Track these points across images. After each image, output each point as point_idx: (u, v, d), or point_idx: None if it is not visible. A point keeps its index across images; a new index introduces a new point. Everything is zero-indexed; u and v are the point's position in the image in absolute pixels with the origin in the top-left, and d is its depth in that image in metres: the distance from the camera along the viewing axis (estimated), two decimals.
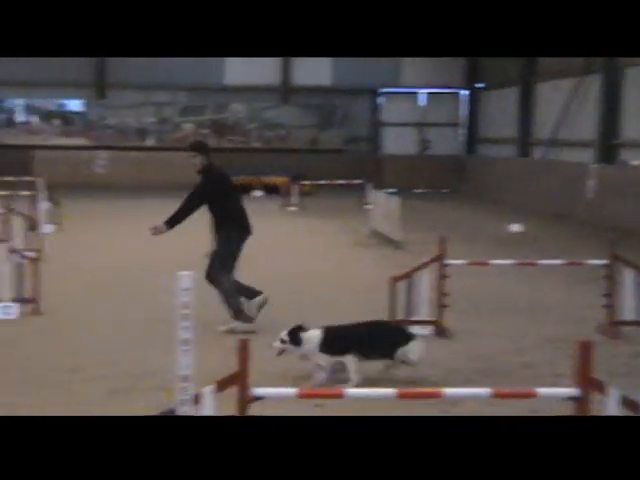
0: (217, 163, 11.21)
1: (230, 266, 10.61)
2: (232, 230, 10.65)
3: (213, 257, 10.66)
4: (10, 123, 37.59)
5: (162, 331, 10.10)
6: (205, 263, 10.63)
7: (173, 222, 10.66)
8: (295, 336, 8.18)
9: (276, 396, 5.54)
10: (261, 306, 10.64)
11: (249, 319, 10.49)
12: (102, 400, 7.60)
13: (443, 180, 35.86)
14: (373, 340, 8.31)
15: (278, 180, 31.34)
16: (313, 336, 8.20)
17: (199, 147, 11.09)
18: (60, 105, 37.84)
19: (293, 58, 36.91)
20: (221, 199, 10.71)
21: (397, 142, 38.31)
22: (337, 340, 8.23)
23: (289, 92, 37.89)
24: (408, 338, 8.43)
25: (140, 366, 8.64)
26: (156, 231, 10.68)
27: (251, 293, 10.70)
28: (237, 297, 10.58)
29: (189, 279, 4.84)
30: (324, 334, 8.20)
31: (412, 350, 8.32)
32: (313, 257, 16.56)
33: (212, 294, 10.46)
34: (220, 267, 10.56)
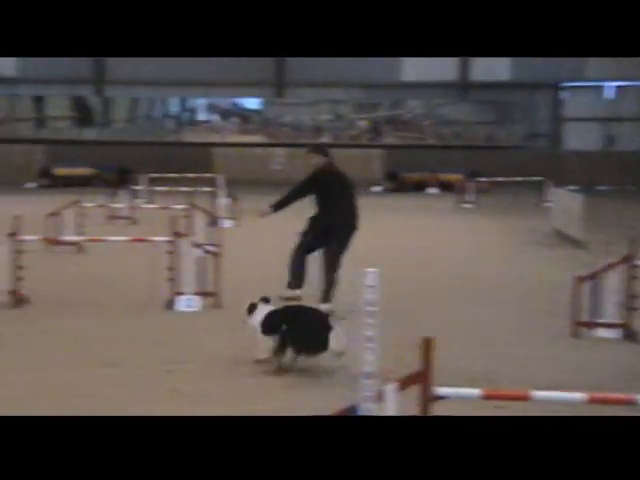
0: (335, 164, 12.29)
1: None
2: (335, 222, 11.56)
3: (337, 248, 11.40)
4: (192, 122, 38.69)
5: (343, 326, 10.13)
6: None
7: (278, 206, 12.15)
8: (252, 307, 8.41)
9: (459, 396, 5.40)
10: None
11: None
12: (281, 393, 7.64)
13: (630, 177, 34.54)
14: (301, 329, 8.09)
15: (453, 177, 31.01)
16: (262, 310, 8.30)
17: (316, 149, 12.60)
18: (239, 104, 38.68)
19: None
20: (326, 194, 11.66)
21: (580, 138, 37.24)
22: (273, 320, 8.19)
23: (466, 88, 37.44)
24: (329, 328, 8.05)
25: (319, 361, 8.62)
26: (262, 214, 12.23)
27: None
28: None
29: (375, 276, 4.77)
30: (270, 311, 8.30)
31: (333, 341, 7.94)
32: (490, 256, 16.26)
33: (392, 292, 10.39)
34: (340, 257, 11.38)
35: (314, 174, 11.96)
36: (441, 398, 5.05)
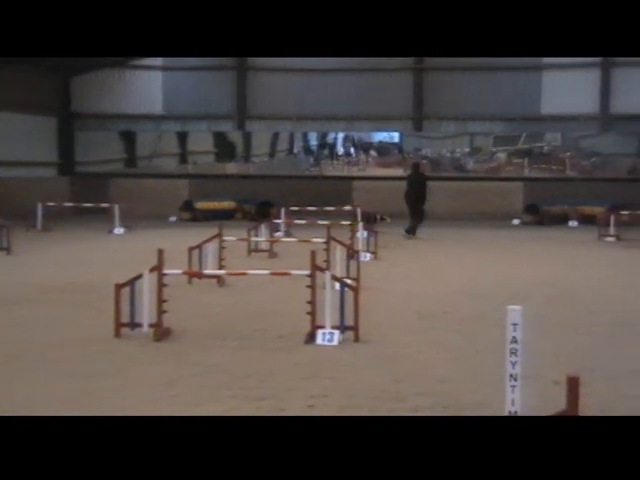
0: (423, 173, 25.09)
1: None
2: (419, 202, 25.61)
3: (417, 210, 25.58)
4: (332, 155, 39.11)
5: (481, 363, 10.06)
6: None
7: (411, 230, 25.50)
8: None
9: None
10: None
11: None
12: None
13: None
14: None
15: (595, 210, 30.33)
16: None
17: (413, 165, 26.63)
18: (377, 137, 38.92)
19: (613, 86, 35.90)
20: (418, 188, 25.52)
21: None
22: None
23: (608, 120, 36.70)
24: None
25: (459, 398, 8.57)
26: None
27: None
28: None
29: (519, 314, 4.76)
30: None
31: None
32: (635, 291, 15.84)
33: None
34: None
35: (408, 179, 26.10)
36: None
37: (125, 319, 11.45)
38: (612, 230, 26.05)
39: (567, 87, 36.55)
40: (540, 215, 32.53)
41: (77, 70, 36.59)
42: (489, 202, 35.27)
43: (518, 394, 4.85)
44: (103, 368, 9.84)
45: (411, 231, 25.29)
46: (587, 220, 30.47)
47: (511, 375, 4.82)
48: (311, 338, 11.14)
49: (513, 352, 4.80)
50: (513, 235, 27.62)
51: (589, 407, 7.75)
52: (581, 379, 4.89)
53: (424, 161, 37.75)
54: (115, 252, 22.01)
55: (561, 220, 31.95)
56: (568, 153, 37.52)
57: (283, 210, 25.64)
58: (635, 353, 10.69)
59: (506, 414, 4.83)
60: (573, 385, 4.89)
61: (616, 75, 36.15)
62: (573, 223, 31.69)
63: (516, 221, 32.47)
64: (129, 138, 39.32)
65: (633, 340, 11.47)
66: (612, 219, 26.35)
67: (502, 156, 38.16)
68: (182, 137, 39.29)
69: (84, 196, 32.64)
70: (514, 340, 4.80)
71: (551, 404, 5.05)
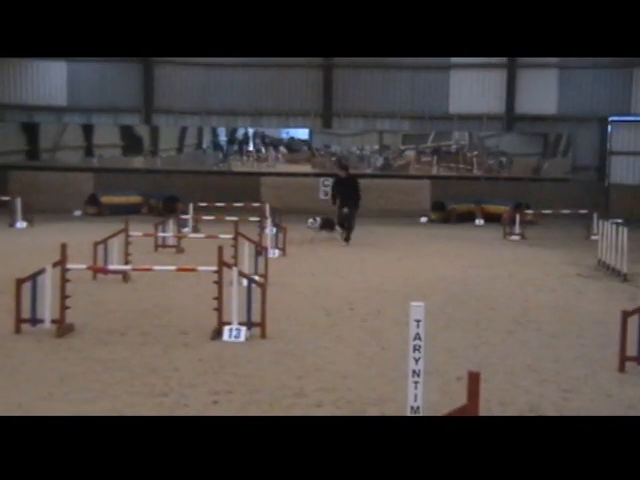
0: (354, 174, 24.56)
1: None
2: (354, 206, 23.07)
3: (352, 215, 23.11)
4: (240, 151, 38.95)
5: (383, 359, 10.13)
6: None
7: (332, 202, 23.37)
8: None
9: None
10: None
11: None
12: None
13: None
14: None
15: (500, 209, 30.85)
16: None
17: (341, 166, 24.38)
18: (286, 134, 38.87)
19: (518, 88, 36.58)
20: (352, 191, 23.00)
21: (626, 171, 36.99)
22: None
23: (513, 120, 37.37)
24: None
25: (361, 394, 8.62)
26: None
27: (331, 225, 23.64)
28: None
29: (422, 310, 4.79)
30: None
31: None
32: (536, 288, 16.16)
33: (437, 324, 10.34)
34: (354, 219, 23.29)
35: (335, 181, 23.81)
36: None
37: (26, 315, 11.22)
38: (517, 229, 26.53)
39: (475, 87, 37.16)
40: (447, 213, 32.96)
41: None
42: (397, 200, 35.64)
43: (421, 390, 4.88)
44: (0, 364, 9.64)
45: (349, 239, 23.08)
46: (492, 218, 31.00)
47: (414, 371, 4.85)
48: (217, 334, 11.08)
49: (416, 348, 4.83)
50: (420, 232, 27.92)
51: (489, 402, 7.92)
52: (482, 374, 4.94)
53: (333, 158, 37.86)
54: (17, 246, 21.56)
55: (467, 218, 32.44)
56: (475, 152, 38.01)
57: (191, 205, 25.45)
58: (533, 348, 10.89)
59: (409, 410, 4.85)
60: (474, 380, 4.94)
61: (521, 76, 36.83)
62: (479, 221, 32.20)
63: (423, 219, 32.85)
64: (31, 130, 38.52)
65: (532, 336, 11.69)
66: (517, 218, 26.84)
67: (410, 154, 38.50)
68: (88, 130, 38.68)
69: None
70: (417, 337, 4.83)
71: (453, 399, 5.12)
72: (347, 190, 22.22)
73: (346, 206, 22.30)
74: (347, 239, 22.85)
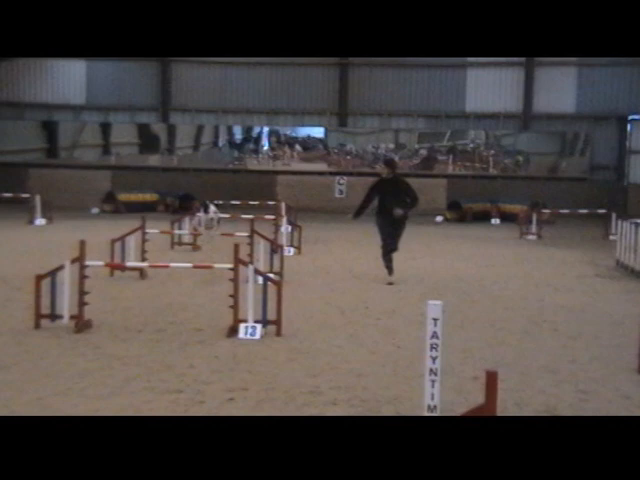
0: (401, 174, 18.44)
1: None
2: (411, 205, 16.69)
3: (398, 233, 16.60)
4: (256, 149, 39.00)
5: (398, 358, 10.12)
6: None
7: (357, 214, 16.45)
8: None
9: None
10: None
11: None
12: None
13: None
14: None
15: (516, 208, 30.73)
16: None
17: (388, 164, 17.43)
18: (303, 132, 38.89)
19: (536, 86, 36.42)
20: (402, 192, 16.55)
21: None
22: None
23: (530, 119, 37.22)
24: None
25: (376, 393, 8.60)
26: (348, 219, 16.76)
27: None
28: None
29: (439, 309, 4.78)
30: None
31: None
32: (552, 288, 16.09)
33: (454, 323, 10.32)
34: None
35: (375, 183, 16.80)
36: None
37: (45, 311, 11.28)
38: (533, 228, 26.42)
39: (491, 85, 37.02)
40: (462, 212, 32.88)
41: None
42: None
43: (437, 389, 4.87)
44: (19, 359, 9.67)
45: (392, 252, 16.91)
46: (509, 218, 30.87)
47: (431, 370, 4.84)
48: (233, 332, 11.09)
49: (433, 347, 4.81)
50: (436, 232, 27.85)
51: (505, 402, 7.89)
52: (497, 374, 4.92)
53: (348, 157, 37.84)
54: (36, 243, 21.64)
55: (483, 218, 32.34)
56: (491, 151, 37.91)
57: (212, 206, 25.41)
58: (550, 348, 10.85)
59: (425, 408, 4.84)
60: (491, 380, 4.92)
61: (539, 75, 36.68)
62: (495, 221, 32.10)
63: (439, 218, 32.74)
64: (50, 128, 38.72)
65: (548, 336, 11.65)
66: (534, 217, 26.72)
67: (425, 152, 38.43)
68: (105, 128, 38.84)
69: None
70: (434, 335, 4.81)
71: (468, 399, 5.10)
72: (396, 191, 16.95)
73: (398, 207, 16.56)
74: (389, 267, 16.60)
